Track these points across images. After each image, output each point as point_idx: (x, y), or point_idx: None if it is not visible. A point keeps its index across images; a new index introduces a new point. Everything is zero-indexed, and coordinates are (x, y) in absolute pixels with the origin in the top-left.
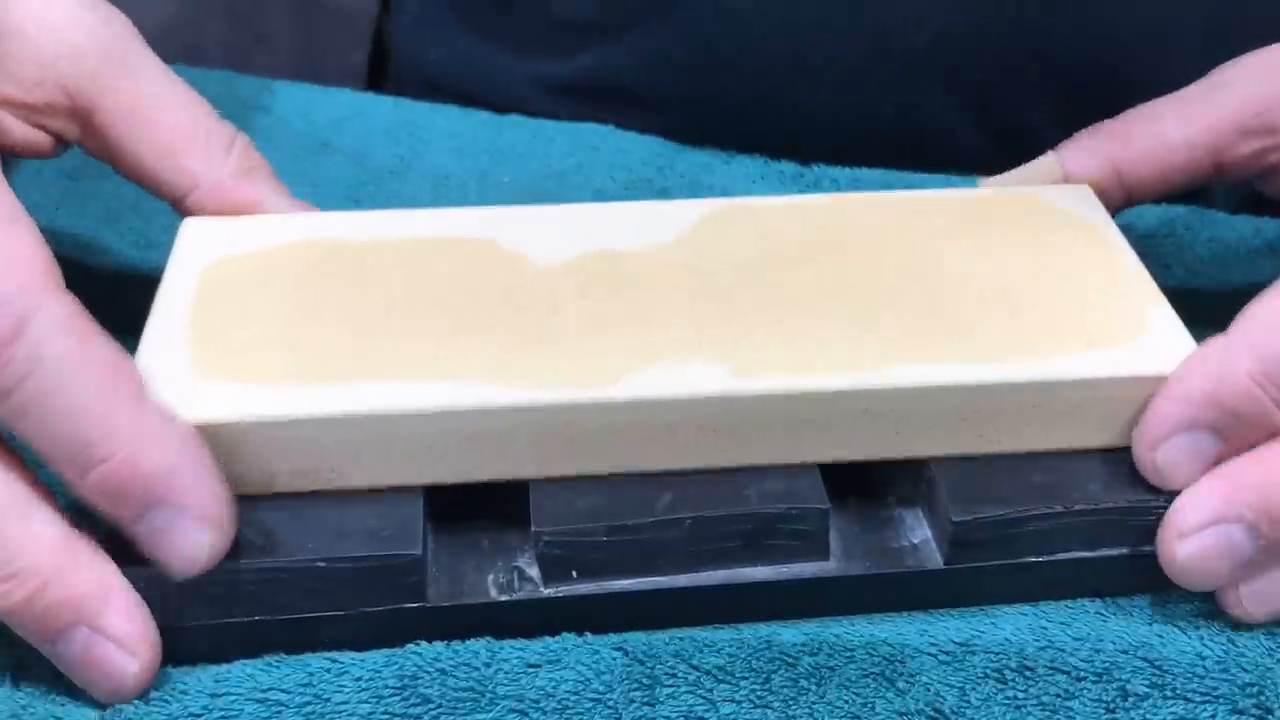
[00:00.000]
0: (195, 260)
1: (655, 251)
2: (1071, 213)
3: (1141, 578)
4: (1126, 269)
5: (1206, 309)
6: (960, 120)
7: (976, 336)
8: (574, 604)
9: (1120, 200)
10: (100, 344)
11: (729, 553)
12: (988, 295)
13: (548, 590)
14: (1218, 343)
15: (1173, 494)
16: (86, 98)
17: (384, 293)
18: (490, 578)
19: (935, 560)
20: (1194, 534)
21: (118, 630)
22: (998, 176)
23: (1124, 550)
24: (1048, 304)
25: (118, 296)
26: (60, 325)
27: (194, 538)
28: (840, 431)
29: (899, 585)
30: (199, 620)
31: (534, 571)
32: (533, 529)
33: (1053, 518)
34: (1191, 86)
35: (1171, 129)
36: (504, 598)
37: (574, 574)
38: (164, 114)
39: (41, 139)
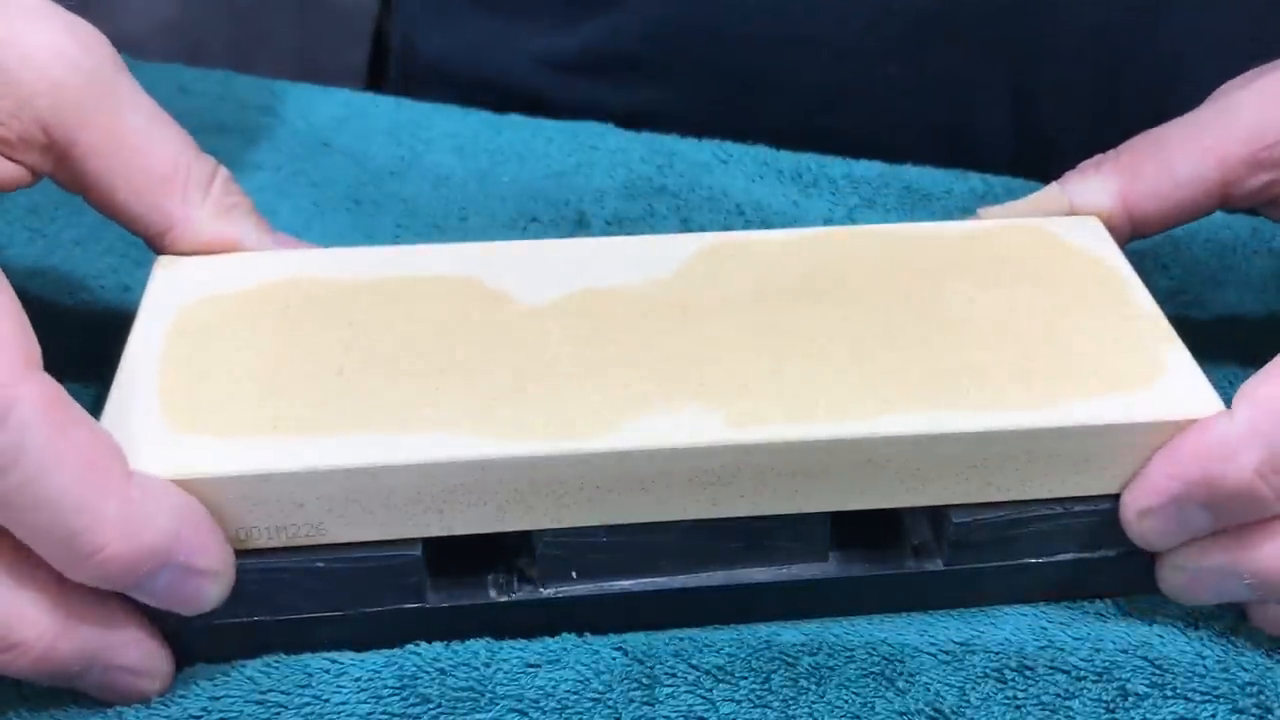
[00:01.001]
0: (168, 302)
1: (646, 290)
2: (1081, 247)
3: (1140, 579)
4: (1139, 307)
5: (1204, 310)
6: (968, 89)
7: (984, 380)
8: (573, 605)
9: (1127, 234)
10: (80, 427)
11: (728, 554)
12: (994, 336)
13: (547, 591)
14: (1224, 423)
15: None
16: (64, 133)
17: (364, 337)
18: (489, 578)
19: (935, 561)
20: (1191, 570)
21: (130, 661)
22: (999, 207)
23: (1123, 551)
24: (1058, 345)
25: (116, 296)
26: (40, 414)
27: (198, 587)
28: (842, 482)
29: (899, 586)
30: (199, 621)
31: (533, 572)
32: (532, 530)
33: (1052, 519)
34: (1199, 111)
35: (1180, 163)
36: (503, 598)
37: (573, 575)
38: (142, 151)
39: (15, 172)
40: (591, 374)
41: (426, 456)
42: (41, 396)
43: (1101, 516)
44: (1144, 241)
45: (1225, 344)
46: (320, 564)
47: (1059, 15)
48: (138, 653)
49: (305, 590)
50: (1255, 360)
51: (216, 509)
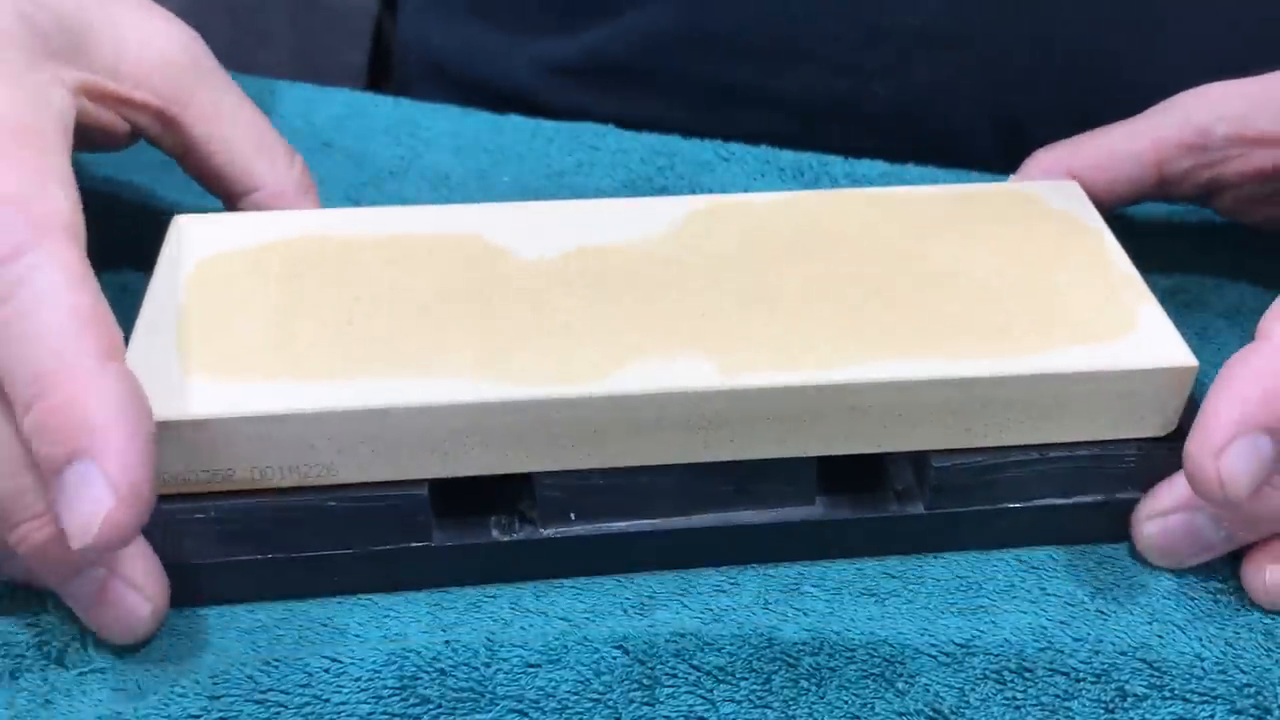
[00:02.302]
0: (184, 257)
1: (642, 247)
2: (1060, 208)
3: (1116, 526)
4: (1114, 264)
5: (1205, 309)
6: (958, 101)
7: (965, 332)
8: (571, 545)
9: None
10: (89, 298)
11: (720, 497)
12: (976, 291)
13: (546, 532)
14: (1261, 346)
15: (1145, 440)
16: (175, 102)
17: (373, 289)
18: (492, 520)
19: (917, 505)
20: (1161, 516)
21: (134, 575)
22: None
23: (1099, 497)
24: (1036, 299)
25: (115, 295)
26: (55, 266)
27: (98, 496)
28: (828, 426)
29: (883, 530)
30: (213, 558)
31: (534, 514)
32: (532, 473)
33: (1029, 464)
34: (1146, 111)
35: (1119, 143)
36: (505, 538)
37: (571, 516)
38: (240, 123)
39: (124, 129)
40: (589, 324)
41: (432, 400)
42: (65, 254)
43: (1077, 463)
44: (1146, 241)
45: (1226, 340)
46: (332, 503)
47: (1045, 38)
48: (142, 568)
49: (317, 529)
50: None
51: (232, 448)
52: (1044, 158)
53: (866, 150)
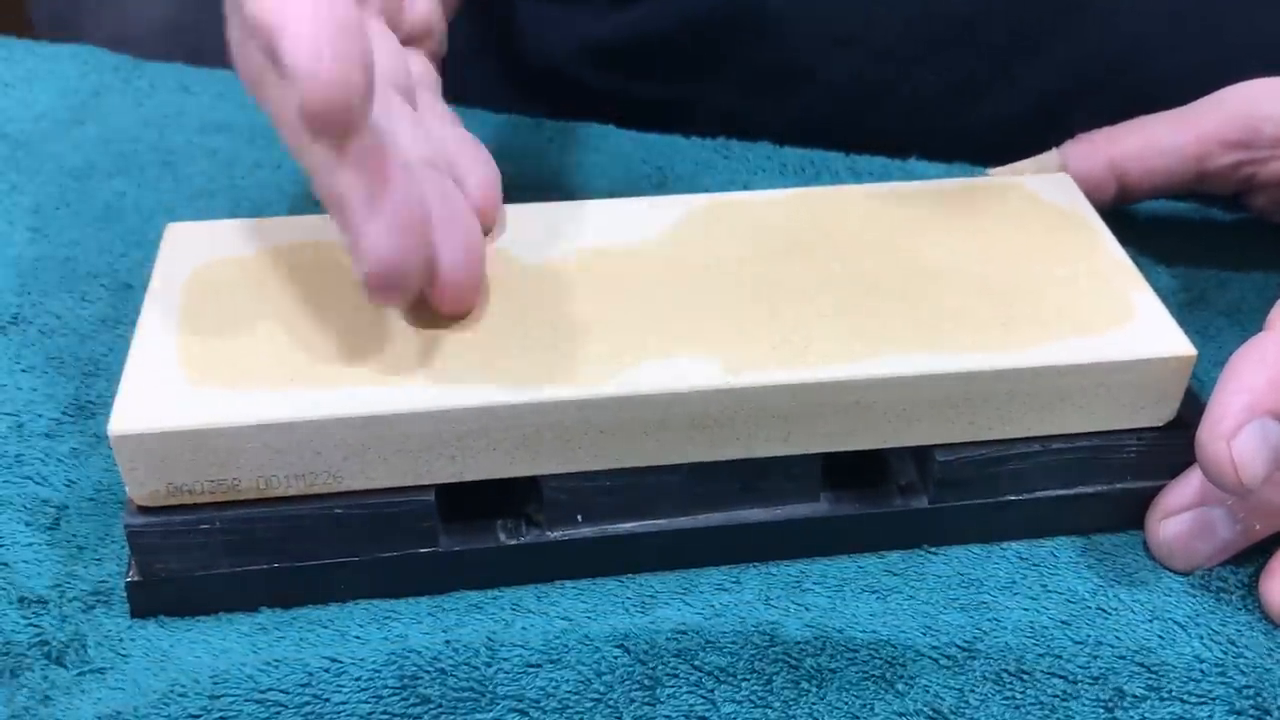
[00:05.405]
0: (180, 266)
1: (641, 248)
2: (1054, 202)
3: (1118, 515)
4: (1110, 256)
5: (1207, 307)
6: (1001, 91)
7: (964, 325)
8: (578, 547)
9: (1114, 196)
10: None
11: (726, 496)
12: (974, 284)
13: (554, 535)
14: (1266, 336)
15: (1145, 430)
16: None
17: None
18: (499, 524)
19: (921, 500)
20: (1178, 514)
21: None
22: (1001, 168)
23: (1101, 487)
24: (1034, 292)
25: (117, 295)
26: None
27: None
28: (833, 423)
29: (887, 524)
30: (220, 569)
31: (540, 517)
32: (538, 476)
33: (1031, 456)
34: (1192, 104)
35: (1163, 135)
36: (512, 541)
37: (578, 519)
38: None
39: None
40: (593, 326)
41: (437, 404)
42: None
43: (1079, 454)
44: (1150, 240)
45: (1228, 339)
46: (338, 511)
47: (1087, 27)
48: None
49: (323, 536)
50: None
51: (237, 457)
52: (1085, 141)
53: (907, 138)
